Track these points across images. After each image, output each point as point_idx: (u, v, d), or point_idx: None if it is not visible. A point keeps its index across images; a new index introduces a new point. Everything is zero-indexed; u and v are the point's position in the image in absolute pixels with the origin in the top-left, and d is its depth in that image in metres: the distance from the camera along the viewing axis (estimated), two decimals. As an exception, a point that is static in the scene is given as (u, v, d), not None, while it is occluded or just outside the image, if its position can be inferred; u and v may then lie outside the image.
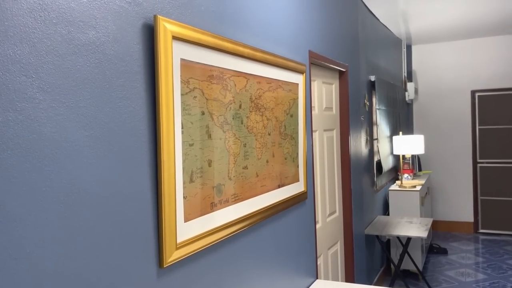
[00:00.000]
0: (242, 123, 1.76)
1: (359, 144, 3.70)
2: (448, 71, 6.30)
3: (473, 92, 6.15)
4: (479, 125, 6.12)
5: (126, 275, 1.19)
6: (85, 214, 1.07)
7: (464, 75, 6.21)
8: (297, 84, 2.31)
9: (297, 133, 2.31)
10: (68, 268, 1.03)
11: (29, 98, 0.94)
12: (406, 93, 5.97)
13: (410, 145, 4.57)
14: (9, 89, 0.90)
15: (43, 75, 0.98)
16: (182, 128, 1.39)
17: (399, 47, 5.90)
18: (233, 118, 1.69)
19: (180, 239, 1.38)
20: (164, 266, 1.31)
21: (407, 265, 4.55)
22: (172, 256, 1.34)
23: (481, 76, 6.12)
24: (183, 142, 1.39)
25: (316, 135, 2.88)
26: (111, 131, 1.16)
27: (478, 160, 6.14)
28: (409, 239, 3.79)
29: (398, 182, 4.94)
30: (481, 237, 5.98)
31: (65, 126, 1.03)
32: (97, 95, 1.12)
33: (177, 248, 1.36)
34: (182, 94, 1.39)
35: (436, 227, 6.41)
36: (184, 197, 1.40)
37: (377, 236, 3.97)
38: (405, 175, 5.04)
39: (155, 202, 1.30)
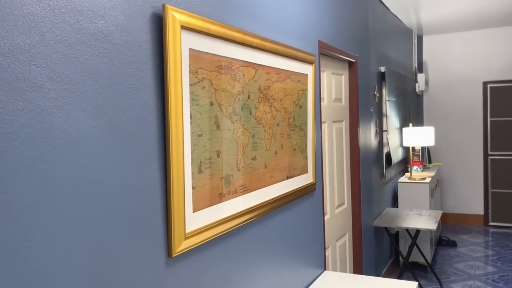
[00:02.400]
0: (250, 114, 1.75)
1: (368, 136, 3.67)
2: (460, 62, 6.21)
3: (485, 84, 6.07)
4: (490, 117, 6.04)
5: (135, 264, 1.20)
6: (94, 203, 1.08)
7: (476, 66, 6.12)
8: (306, 74, 2.29)
9: (306, 124, 2.30)
10: (77, 257, 1.04)
11: (38, 88, 0.95)
12: (417, 84, 5.91)
13: (420, 137, 4.53)
14: (18, 78, 0.91)
15: (52, 65, 0.98)
16: (190, 118, 1.39)
17: (410, 37, 5.83)
18: (241, 109, 1.68)
19: (189, 229, 1.38)
20: (173, 256, 1.32)
21: (415, 257, 4.53)
22: (181, 246, 1.35)
23: (493, 67, 6.03)
24: (191, 132, 1.39)
25: (325, 127, 2.86)
26: (120, 121, 1.16)
27: (489, 153, 6.07)
28: (418, 231, 3.78)
29: (407, 174, 4.91)
30: (491, 230, 5.93)
31: (74, 116, 1.03)
32: (106, 85, 1.12)
33: (185, 238, 1.36)
34: (190, 85, 1.38)
35: (446, 220, 6.38)
36: (192, 187, 1.40)
37: (385, 228, 3.96)
38: (415, 167, 5.01)
39: (164, 192, 1.31)
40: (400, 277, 3.90)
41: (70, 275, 1.02)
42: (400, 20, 5.25)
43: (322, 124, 2.81)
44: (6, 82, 0.88)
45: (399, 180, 4.64)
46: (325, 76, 2.86)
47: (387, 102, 4.30)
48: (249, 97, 1.73)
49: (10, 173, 0.89)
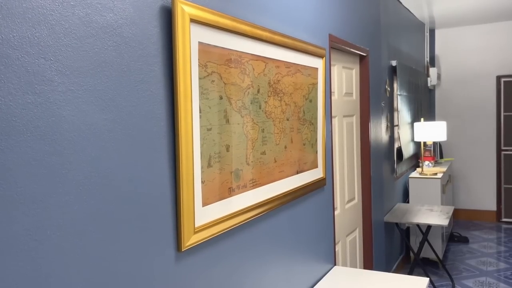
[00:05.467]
0: (260, 108, 1.74)
1: (379, 131, 3.64)
2: (473, 56, 6.12)
3: (498, 78, 5.98)
4: (504, 112, 5.95)
5: (144, 258, 1.20)
6: (103, 197, 1.08)
7: (489, 60, 6.03)
8: (317, 68, 2.27)
9: (316, 118, 2.28)
10: (87, 250, 1.04)
11: (47, 81, 0.95)
12: (429, 78, 5.84)
13: (431, 131, 4.48)
14: (28, 71, 0.91)
15: (61, 58, 0.97)
16: (200, 112, 1.38)
17: (422, 31, 5.76)
18: (251, 103, 1.67)
19: (198, 223, 1.38)
20: (182, 250, 1.31)
21: (427, 253, 4.49)
22: (190, 240, 1.34)
23: (507, 61, 5.93)
24: (201, 126, 1.39)
25: (335, 121, 2.84)
26: (129, 114, 1.16)
27: (503, 148, 5.98)
28: (429, 227, 3.74)
29: (418, 169, 4.86)
30: (504, 226, 5.86)
31: (83, 109, 1.03)
32: (115, 78, 1.11)
33: (195, 232, 1.36)
34: (200, 78, 1.38)
35: (458, 216, 6.31)
36: (202, 181, 1.40)
37: (396, 224, 3.93)
38: (426, 163, 4.96)
39: (173, 186, 1.30)
40: (411, 273, 3.87)
41: (80, 268, 1.02)
42: (412, 14, 5.18)
43: (333, 119, 2.79)
44: (15, 76, 0.88)
45: (410, 176, 4.60)
46: (335, 70, 2.83)
47: (399, 96, 4.25)
48: (258, 91, 1.72)
49: (20, 167, 0.89)
